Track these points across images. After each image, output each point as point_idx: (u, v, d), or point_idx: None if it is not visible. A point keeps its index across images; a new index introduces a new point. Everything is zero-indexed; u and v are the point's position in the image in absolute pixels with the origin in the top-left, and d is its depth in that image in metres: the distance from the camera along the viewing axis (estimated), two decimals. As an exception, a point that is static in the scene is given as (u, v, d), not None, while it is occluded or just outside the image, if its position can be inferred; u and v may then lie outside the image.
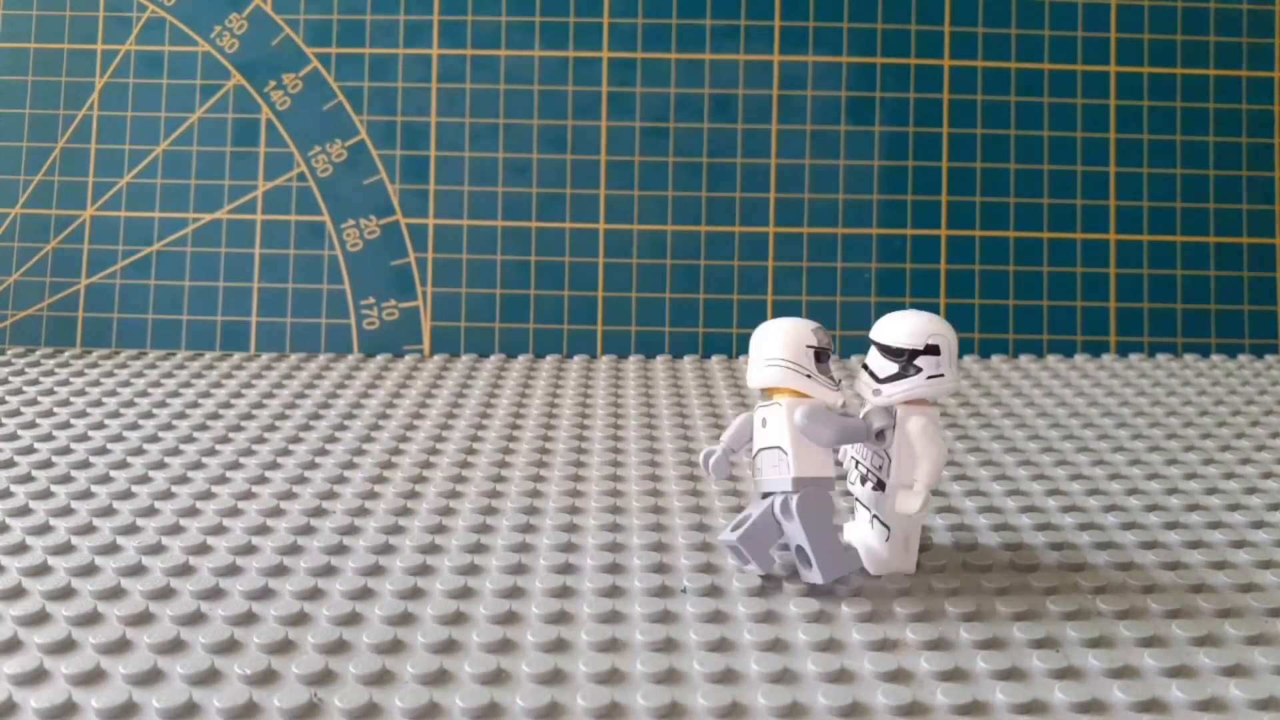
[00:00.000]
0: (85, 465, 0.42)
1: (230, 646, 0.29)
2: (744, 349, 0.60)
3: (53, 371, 0.55)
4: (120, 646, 0.29)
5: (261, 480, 0.41)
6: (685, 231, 0.61)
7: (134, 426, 0.47)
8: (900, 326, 0.33)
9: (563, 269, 0.61)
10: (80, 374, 0.54)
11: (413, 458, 0.44)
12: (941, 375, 0.32)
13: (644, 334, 0.60)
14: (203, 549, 0.35)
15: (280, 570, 0.33)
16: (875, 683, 0.28)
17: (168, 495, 0.39)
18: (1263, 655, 0.29)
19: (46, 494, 0.39)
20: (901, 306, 0.61)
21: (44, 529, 0.36)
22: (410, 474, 0.42)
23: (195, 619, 0.31)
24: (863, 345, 0.60)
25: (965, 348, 0.61)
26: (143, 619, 0.31)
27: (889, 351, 0.33)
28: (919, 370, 0.32)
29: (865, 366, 0.33)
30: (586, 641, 0.30)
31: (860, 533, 0.34)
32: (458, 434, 0.46)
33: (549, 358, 0.59)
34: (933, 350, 0.32)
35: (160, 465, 0.42)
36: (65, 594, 0.32)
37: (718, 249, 0.61)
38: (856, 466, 0.34)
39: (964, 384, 0.55)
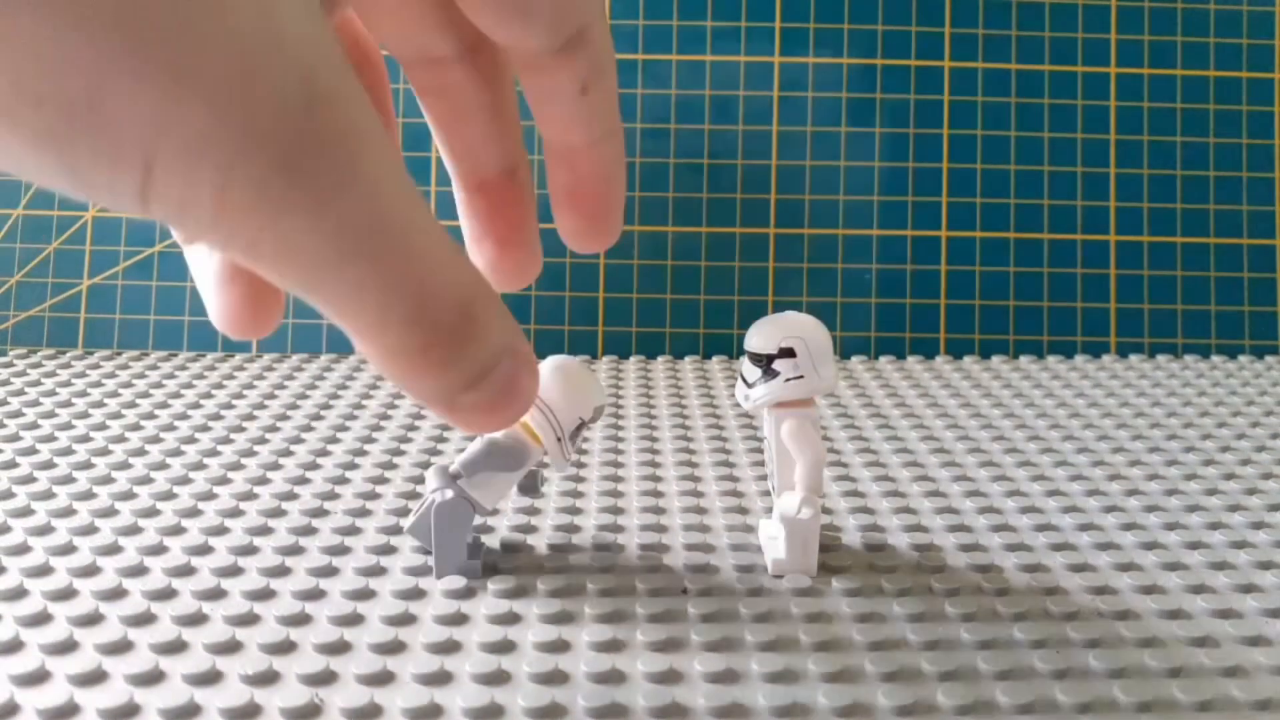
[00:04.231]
0: (87, 466, 0.42)
1: (231, 647, 0.29)
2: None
3: (54, 373, 0.55)
4: (121, 647, 0.29)
5: (263, 481, 0.41)
6: (686, 233, 0.61)
7: (135, 427, 0.47)
8: (758, 333, 0.33)
9: (564, 270, 0.61)
10: (82, 375, 0.54)
11: (414, 458, 0.44)
12: (801, 377, 0.32)
13: (644, 335, 0.60)
14: (204, 549, 0.35)
15: (281, 570, 0.33)
16: (875, 683, 0.28)
17: (169, 496, 0.39)
18: (1262, 655, 0.29)
19: (48, 495, 0.39)
20: (901, 308, 0.62)
21: (45, 530, 0.36)
22: (411, 474, 0.42)
23: (197, 619, 0.31)
24: (862, 346, 0.61)
25: (965, 348, 0.61)
26: (144, 619, 0.31)
27: (752, 358, 0.33)
28: (777, 374, 0.32)
29: (740, 375, 0.34)
30: (587, 641, 0.30)
31: (769, 531, 0.35)
32: (459, 434, 0.46)
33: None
34: (788, 353, 0.32)
35: (162, 466, 0.42)
36: (66, 594, 0.32)
37: (718, 250, 0.61)
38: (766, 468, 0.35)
39: (964, 384, 0.55)
